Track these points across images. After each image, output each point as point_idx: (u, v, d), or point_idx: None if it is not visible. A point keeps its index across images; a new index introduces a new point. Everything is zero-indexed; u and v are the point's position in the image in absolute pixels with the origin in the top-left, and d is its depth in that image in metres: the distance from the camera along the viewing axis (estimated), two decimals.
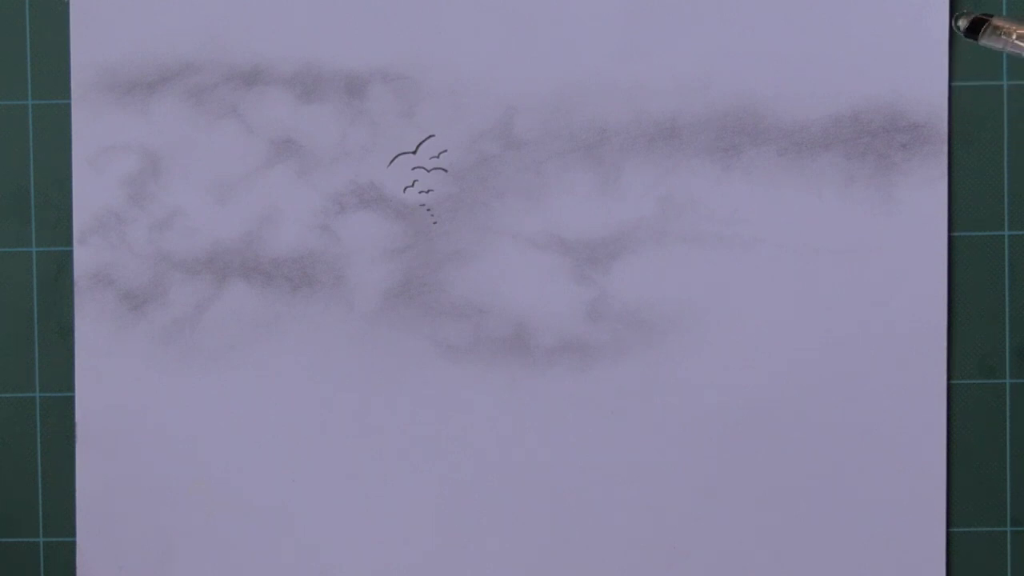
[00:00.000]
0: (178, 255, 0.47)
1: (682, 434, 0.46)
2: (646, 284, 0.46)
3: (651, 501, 0.46)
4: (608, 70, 0.46)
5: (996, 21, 0.37)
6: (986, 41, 0.37)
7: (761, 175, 0.46)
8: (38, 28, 0.48)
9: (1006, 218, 0.46)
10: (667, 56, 0.46)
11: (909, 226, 0.46)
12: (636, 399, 0.46)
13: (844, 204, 0.46)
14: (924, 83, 0.46)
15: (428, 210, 0.47)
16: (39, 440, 0.48)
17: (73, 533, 0.48)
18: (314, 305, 0.47)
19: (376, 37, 0.47)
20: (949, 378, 0.46)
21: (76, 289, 0.48)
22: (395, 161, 0.47)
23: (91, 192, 0.48)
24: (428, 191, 0.47)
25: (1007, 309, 0.46)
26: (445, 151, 0.47)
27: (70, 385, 0.48)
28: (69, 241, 0.48)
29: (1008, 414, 0.46)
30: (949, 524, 0.46)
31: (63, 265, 0.48)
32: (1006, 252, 0.46)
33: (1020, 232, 0.46)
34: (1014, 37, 0.36)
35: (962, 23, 0.38)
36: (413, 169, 0.47)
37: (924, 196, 0.46)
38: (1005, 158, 0.46)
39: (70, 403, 0.48)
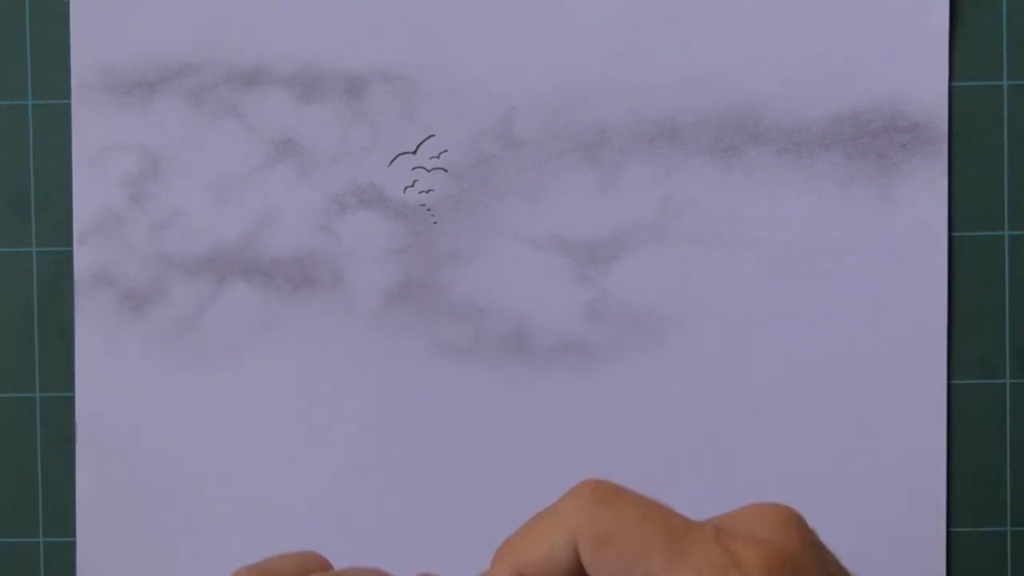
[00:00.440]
0: (178, 255, 0.47)
1: (682, 434, 0.46)
2: (646, 284, 0.46)
3: None
4: (608, 70, 0.46)
5: None
6: None
7: (761, 175, 0.46)
8: (38, 28, 0.48)
9: (1006, 218, 0.46)
10: (667, 56, 0.46)
11: (909, 226, 0.46)
12: (636, 399, 0.46)
13: (844, 204, 0.46)
14: (924, 83, 0.46)
15: (428, 210, 0.47)
16: (39, 440, 0.48)
17: (73, 533, 0.48)
18: (314, 305, 0.47)
19: (376, 37, 0.47)
20: (949, 378, 0.46)
21: (76, 289, 0.47)
22: (395, 161, 0.47)
23: (91, 192, 0.48)
24: (428, 191, 0.47)
25: (1007, 309, 0.46)
26: (445, 151, 0.47)
27: (70, 385, 0.48)
28: (69, 241, 0.48)
29: (1008, 414, 0.46)
30: (949, 524, 0.46)
31: (63, 265, 0.48)
32: (1006, 252, 0.46)
33: (1020, 232, 0.46)
34: None
35: None
36: (413, 169, 0.47)
37: (924, 196, 0.46)
38: (1005, 158, 0.46)
39: (70, 403, 0.48)
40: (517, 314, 0.47)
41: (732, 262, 0.46)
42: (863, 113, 0.46)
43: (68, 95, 0.48)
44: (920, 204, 0.46)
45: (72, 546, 0.48)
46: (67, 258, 0.48)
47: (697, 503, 0.47)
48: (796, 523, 0.28)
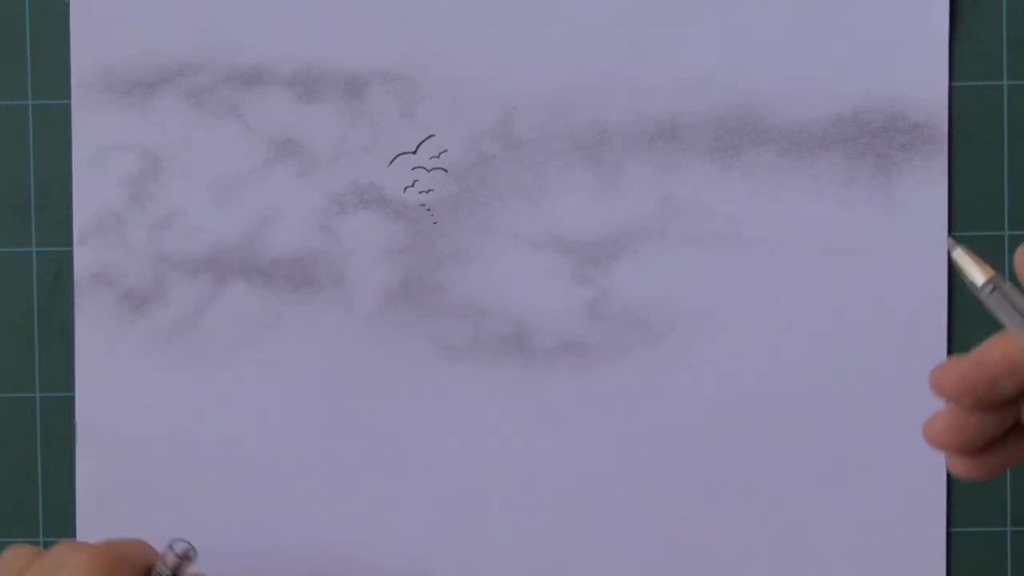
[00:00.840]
0: (178, 255, 0.47)
1: (682, 434, 0.46)
2: (646, 284, 0.46)
3: (651, 501, 0.46)
4: (608, 70, 0.46)
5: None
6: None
7: (761, 175, 0.46)
8: (38, 28, 0.48)
9: (1006, 218, 0.46)
10: (667, 56, 0.46)
11: (909, 226, 0.46)
12: (636, 399, 0.46)
13: (844, 204, 0.46)
14: (924, 83, 0.46)
15: (428, 210, 0.47)
16: (39, 440, 0.48)
17: (73, 533, 0.48)
18: (314, 305, 0.47)
19: (376, 37, 0.47)
20: None
21: (76, 289, 0.47)
22: (395, 161, 0.47)
23: (91, 192, 0.48)
24: (428, 191, 0.47)
25: None
26: (445, 151, 0.47)
27: (70, 385, 0.48)
28: (69, 241, 0.48)
29: None
30: (949, 524, 0.46)
31: (63, 265, 0.48)
32: (1006, 252, 0.46)
33: (1020, 232, 0.46)
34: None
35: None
36: (413, 169, 0.47)
37: (924, 196, 0.46)
38: (1005, 158, 0.46)
39: (70, 403, 0.48)
40: (517, 314, 0.47)
41: (732, 262, 0.46)
42: (863, 113, 0.46)
43: (68, 95, 0.48)
44: (920, 204, 0.46)
45: None
46: (67, 258, 0.48)
47: (697, 503, 0.47)
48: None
